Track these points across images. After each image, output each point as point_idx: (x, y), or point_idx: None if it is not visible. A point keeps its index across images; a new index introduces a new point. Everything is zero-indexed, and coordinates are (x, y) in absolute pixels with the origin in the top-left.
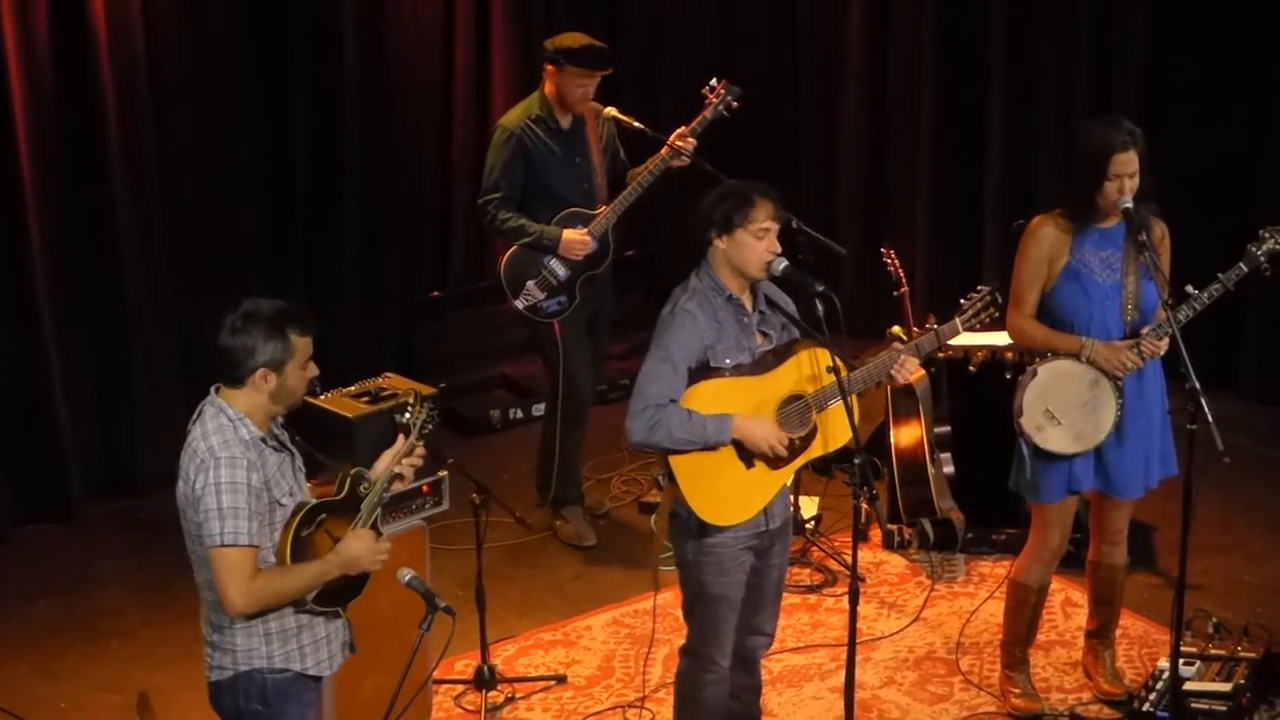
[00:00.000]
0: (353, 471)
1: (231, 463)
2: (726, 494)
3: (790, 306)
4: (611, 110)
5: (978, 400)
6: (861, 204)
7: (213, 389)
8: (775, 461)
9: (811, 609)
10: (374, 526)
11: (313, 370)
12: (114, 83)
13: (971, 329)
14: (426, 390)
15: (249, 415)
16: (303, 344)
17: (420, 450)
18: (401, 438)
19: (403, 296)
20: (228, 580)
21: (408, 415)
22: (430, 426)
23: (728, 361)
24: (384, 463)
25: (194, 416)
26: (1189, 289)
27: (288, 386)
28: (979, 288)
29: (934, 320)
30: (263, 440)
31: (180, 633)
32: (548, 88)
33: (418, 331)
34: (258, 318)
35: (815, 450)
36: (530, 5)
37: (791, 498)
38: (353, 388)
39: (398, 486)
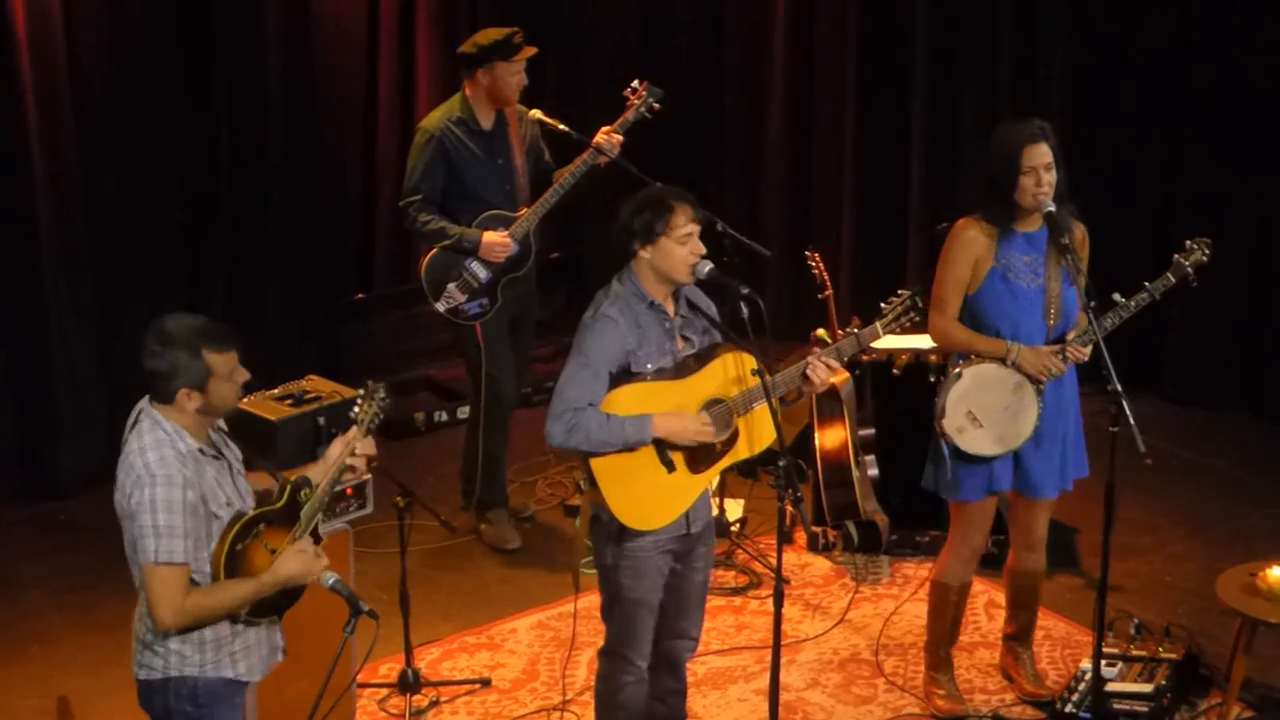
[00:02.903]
0: (293, 479)
1: (168, 481)
2: (648, 498)
3: (712, 310)
4: (536, 112)
5: (902, 403)
6: (786, 205)
7: (146, 397)
8: (697, 465)
9: (736, 611)
10: (314, 532)
11: (242, 376)
12: (34, 88)
13: (892, 333)
14: (349, 393)
15: (185, 429)
16: (221, 359)
17: (372, 441)
18: (354, 429)
19: (327, 298)
20: (159, 598)
21: (356, 409)
22: (377, 421)
23: (649, 366)
24: (335, 449)
25: (130, 422)
26: (1116, 297)
27: (214, 401)
28: (900, 291)
29: (857, 323)
30: (200, 451)
31: (102, 638)
32: (470, 90)
33: (342, 333)
34: (173, 339)
35: (739, 453)
36: (454, 6)
37: (715, 501)
38: (276, 390)
39: (348, 477)
